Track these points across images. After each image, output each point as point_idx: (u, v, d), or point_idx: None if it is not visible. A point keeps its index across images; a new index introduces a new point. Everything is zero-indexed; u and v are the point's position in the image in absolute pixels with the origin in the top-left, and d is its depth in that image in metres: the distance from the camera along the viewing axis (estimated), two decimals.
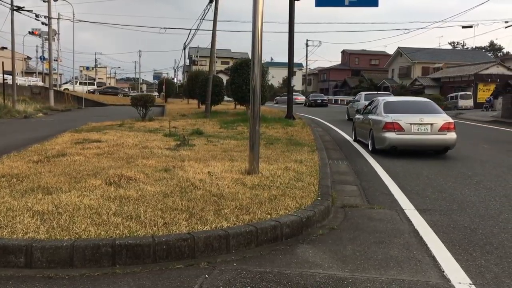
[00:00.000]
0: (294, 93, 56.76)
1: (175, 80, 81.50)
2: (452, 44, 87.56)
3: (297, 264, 4.01)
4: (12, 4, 27.41)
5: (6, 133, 15.22)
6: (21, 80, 45.01)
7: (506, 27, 41.03)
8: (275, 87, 76.45)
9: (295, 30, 21.31)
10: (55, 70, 46.15)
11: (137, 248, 3.93)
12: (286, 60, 22.39)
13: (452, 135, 10.50)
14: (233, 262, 4.02)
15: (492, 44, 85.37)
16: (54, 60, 44.35)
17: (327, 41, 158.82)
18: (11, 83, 30.58)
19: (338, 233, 4.89)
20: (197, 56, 77.81)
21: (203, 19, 30.78)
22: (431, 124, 10.45)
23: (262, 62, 7.54)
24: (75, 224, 4.35)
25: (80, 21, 46.07)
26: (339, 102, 59.42)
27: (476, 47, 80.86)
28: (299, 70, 79.99)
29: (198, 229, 4.34)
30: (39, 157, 8.30)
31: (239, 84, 20.92)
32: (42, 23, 36.60)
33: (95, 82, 71.25)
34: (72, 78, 67.98)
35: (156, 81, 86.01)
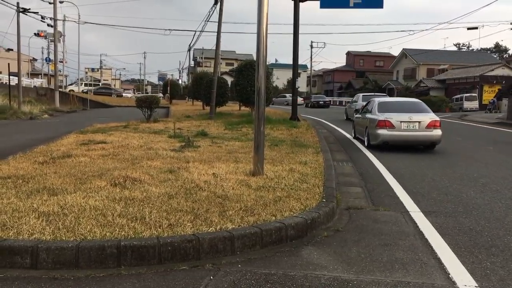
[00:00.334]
0: (288, 94, 57.10)
1: (180, 82, 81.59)
2: (457, 45, 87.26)
3: (302, 266, 4.00)
4: (18, 6, 27.58)
5: (12, 134, 15.29)
6: (26, 82, 45.27)
7: (511, 29, 40.84)
8: (280, 88, 76.47)
9: (299, 32, 21.31)
10: (60, 71, 46.35)
11: (142, 249, 3.94)
12: (290, 61, 22.40)
13: (437, 132, 11.69)
14: (238, 264, 4.03)
15: (497, 45, 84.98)
16: (60, 61, 44.56)
17: (332, 42, 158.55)
18: (16, 84, 30.72)
19: (343, 235, 4.89)
20: (201, 58, 77.96)
21: (208, 21, 30.90)
22: (419, 122, 11.65)
23: (267, 63, 7.54)
24: (80, 225, 4.37)
25: (86, 22, 46.49)
26: (344, 104, 59.38)
27: (481, 48, 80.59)
28: (304, 71, 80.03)
29: (203, 231, 4.34)
30: (45, 158, 8.33)
31: (243, 86, 20.95)
32: (48, 25, 36.74)
33: (100, 84, 71.59)
34: (77, 79, 68.28)
35: (161, 83, 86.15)
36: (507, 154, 11.83)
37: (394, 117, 11.74)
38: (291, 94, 23.33)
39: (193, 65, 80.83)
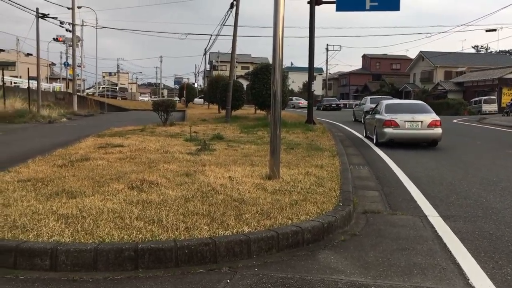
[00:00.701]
0: (296, 97, 57.19)
1: (196, 85, 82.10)
2: (476, 47, 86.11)
3: (318, 270, 3.98)
4: (37, 12, 28.07)
5: (31, 137, 15.54)
6: (45, 86, 45.98)
7: None
8: (295, 91, 76.36)
9: (315, 35, 21.27)
10: (78, 76, 46.97)
11: (159, 252, 3.96)
12: (306, 64, 22.35)
13: (438, 130, 13.01)
14: (255, 267, 4.02)
15: None
16: (78, 66, 45.17)
17: (348, 45, 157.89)
18: (36, 88, 31.21)
19: (360, 239, 4.85)
20: (217, 61, 78.37)
21: (223, 25, 30.96)
22: (421, 121, 13.01)
23: (283, 67, 7.54)
24: (98, 228, 4.42)
25: (103, 27, 47.07)
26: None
27: (500, 50, 79.44)
28: (319, 74, 79.73)
29: (219, 234, 4.35)
30: (63, 161, 8.44)
31: (259, 89, 20.96)
32: (66, 30, 37.42)
33: (117, 88, 72.39)
34: (95, 83, 69.14)
35: (177, 86, 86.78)
36: None
37: (399, 117, 13.04)
38: (297, 98, 23.71)
39: (208, 69, 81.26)
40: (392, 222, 5.52)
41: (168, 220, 4.70)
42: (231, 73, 24.81)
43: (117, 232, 4.30)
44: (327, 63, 74.69)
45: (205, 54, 64.12)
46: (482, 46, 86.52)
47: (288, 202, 5.60)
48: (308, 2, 20.95)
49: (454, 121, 28.59)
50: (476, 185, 7.78)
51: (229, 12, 25.84)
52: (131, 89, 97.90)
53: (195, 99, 53.96)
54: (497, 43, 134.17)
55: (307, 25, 21.19)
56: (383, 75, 73.58)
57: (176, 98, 57.70)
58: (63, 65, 63.84)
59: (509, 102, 38.67)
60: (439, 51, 60.42)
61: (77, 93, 39.00)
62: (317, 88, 71.75)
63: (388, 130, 13.00)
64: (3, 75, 29.22)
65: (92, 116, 32.07)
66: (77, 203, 5.29)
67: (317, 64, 60.45)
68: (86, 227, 4.43)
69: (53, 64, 78.99)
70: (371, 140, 14.51)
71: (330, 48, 72.79)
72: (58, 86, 57.40)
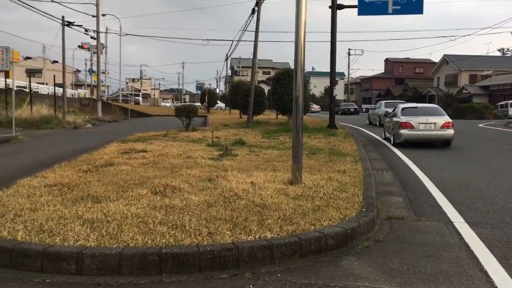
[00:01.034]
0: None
1: (217, 91, 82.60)
2: (502, 50, 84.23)
3: (342, 277, 3.94)
4: (63, 20, 28.68)
5: (57, 143, 15.85)
6: (70, 92, 46.90)
7: None
8: (317, 96, 76.09)
9: (337, 39, 21.17)
10: (102, 82, 47.79)
11: (182, 257, 3.99)
12: (327, 69, 22.32)
13: (450, 131, 14.06)
14: (277, 273, 4.01)
15: None
16: (102, 72, 45.96)
17: (370, 49, 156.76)
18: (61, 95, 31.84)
19: (384, 246, 4.79)
20: (239, 67, 78.74)
21: (245, 30, 31.20)
22: (435, 123, 14.08)
23: (304, 71, 7.52)
24: (123, 233, 4.47)
25: (127, 34, 47.84)
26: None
27: None
28: (341, 79, 79.43)
29: (242, 239, 4.35)
30: (88, 166, 8.59)
31: (281, 94, 20.95)
32: (91, 37, 38.12)
33: (140, 94, 73.40)
34: (119, 89, 70.18)
35: (199, 92, 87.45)
36: None
37: (414, 120, 14.14)
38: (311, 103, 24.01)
39: (230, 74, 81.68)
40: (417, 228, 5.43)
41: (191, 225, 4.73)
42: (253, 79, 24.88)
43: (141, 237, 4.35)
44: (349, 68, 74.30)
45: (226, 59, 64.54)
46: (508, 49, 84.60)
47: (310, 207, 5.57)
48: (330, 7, 20.90)
49: (480, 125, 28.04)
50: (504, 191, 7.60)
51: (250, 18, 25.96)
52: (153, 95, 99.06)
53: (217, 104, 54.34)
54: None
55: (329, 29, 21.15)
56: (406, 79, 72.75)
57: (198, 104, 58.20)
58: (87, 72, 65.06)
59: None
60: (463, 55, 59.46)
61: (101, 99, 39.62)
62: (339, 92, 71.47)
63: (404, 131, 14.11)
64: (30, 82, 29.95)
65: (116, 122, 32.56)
66: (102, 207, 5.36)
67: (338, 68, 60.29)
68: (111, 232, 4.49)
69: (78, 71, 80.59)
70: (389, 141, 15.50)
71: (352, 52, 72.42)
72: (83, 92, 58.60)
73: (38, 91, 39.57)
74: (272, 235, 4.51)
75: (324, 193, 6.39)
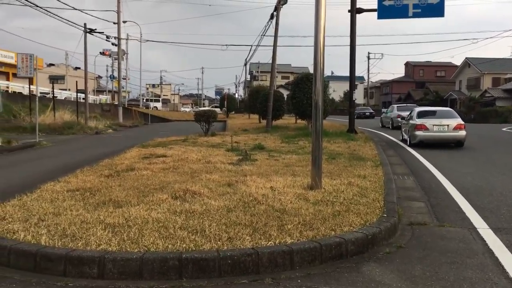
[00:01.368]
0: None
1: (237, 96, 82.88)
2: None
3: (363, 283, 3.90)
4: (85, 27, 29.16)
5: (79, 148, 16.10)
6: (92, 98, 47.63)
7: None
8: (336, 101, 75.69)
9: (356, 43, 21.06)
10: (123, 88, 48.45)
11: (202, 262, 4.00)
12: (347, 73, 22.19)
13: (462, 132, 14.97)
14: (298, 279, 3.98)
15: None
16: (123, 78, 46.61)
17: (389, 53, 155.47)
18: (83, 100, 32.36)
19: (406, 252, 4.72)
20: (257, 72, 78.90)
21: (263, 35, 31.24)
22: (448, 125, 15.06)
23: (323, 76, 7.49)
24: (144, 237, 4.50)
25: (147, 40, 48.45)
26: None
27: None
28: (361, 83, 78.81)
29: (261, 244, 4.34)
30: (110, 171, 8.69)
31: (300, 99, 20.92)
32: (112, 44, 38.69)
33: (160, 99, 74.17)
34: (139, 95, 70.99)
35: (218, 97, 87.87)
36: None
37: (428, 122, 15.20)
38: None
39: (249, 79, 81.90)
40: (439, 234, 5.34)
41: (211, 230, 4.74)
42: (272, 83, 24.90)
43: (161, 242, 4.37)
44: (368, 71, 73.69)
45: (245, 64, 64.70)
46: None
47: (330, 212, 5.53)
48: (349, 11, 20.83)
49: (504, 129, 27.51)
50: None
51: (269, 23, 26.04)
52: (173, 100, 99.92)
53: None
54: None
55: (348, 33, 21.06)
56: (427, 83, 71.86)
57: (216, 109, 58.50)
58: (109, 78, 66.03)
59: None
60: (486, 57, 58.43)
61: (122, 105, 40.13)
62: (358, 96, 70.90)
63: (419, 133, 15.13)
64: (53, 88, 30.50)
65: (137, 127, 32.91)
66: (123, 212, 5.42)
67: (358, 72, 59.84)
68: (132, 236, 4.53)
69: (100, 77, 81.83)
70: (406, 142, 16.51)
71: (371, 56, 71.84)
72: (104, 98, 59.42)
73: (66, 98, 40.25)
74: (292, 240, 4.49)
75: (344, 198, 6.34)
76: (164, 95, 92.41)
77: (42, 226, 4.90)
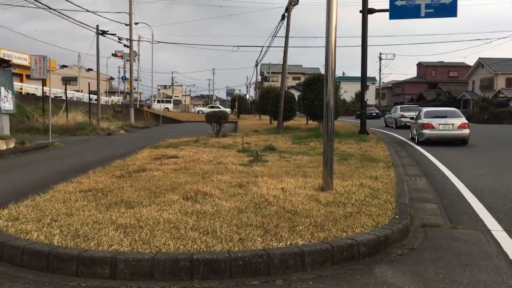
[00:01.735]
0: None
1: (247, 97, 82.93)
2: None
3: (375, 285, 3.87)
4: (97, 29, 29.40)
5: (91, 149, 16.23)
6: (104, 99, 47.98)
7: None
8: (348, 101, 75.40)
9: (368, 44, 20.96)
10: (135, 89, 48.71)
11: (214, 263, 4.00)
12: (358, 74, 22.06)
13: (466, 131, 16.12)
14: (309, 281, 3.96)
15: None
16: (135, 80, 46.87)
17: (401, 53, 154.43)
18: (96, 102, 32.61)
19: (418, 254, 4.67)
20: (268, 73, 78.85)
21: (274, 36, 31.14)
22: (452, 124, 16.23)
23: (335, 76, 7.45)
24: (155, 238, 4.51)
25: (159, 42, 48.66)
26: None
27: None
28: (372, 84, 78.38)
29: (273, 246, 4.33)
30: (121, 172, 8.74)
31: (311, 100, 20.85)
32: (124, 45, 38.96)
33: (171, 100, 74.47)
34: (151, 96, 71.35)
35: (229, 98, 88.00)
36: None
37: (434, 121, 16.34)
38: None
39: (260, 80, 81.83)
40: (452, 236, 5.29)
41: (222, 231, 4.74)
42: (283, 84, 24.85)
43: (173, 242, 4.38)
44: (380, 72, 73.34)
45: (256, 65, 64.58)
46: None
47: (342, 214, 5.50)
48: (361, 11, 20.73)
49: None
50: None
51: (280, 24, 26.00)
52: (184, 101, 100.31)
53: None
54: None
55: (359, 34, 20.96)
56: (439, 83, 71.25)
57: (225, 109, 58.55)
58: (121, 79, 66.42)
59: None
60: (499, 58, 57.78)
61: (134, 106, 40.36)
62: (370, 97, 70.55)
63: (426, 131, 16.28)
64: (66, 89, 30.80)
65: (148, 128, 33.08)
66: (134, 213, 5.44)
67: (370, 73, 59.58)
68: (144, 237, 4.54)
69: (112, 78, 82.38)
70: (414, 140, 17.63)
71: (383, 56, 71.47)
72: (116, 99, 59.86)
73: (81, 99, 40.59)
74: (304, 242, 4.47)
75: (356, 199, 6.30)
76: (175, 96, 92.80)
77: (55, 226, 4.94)
